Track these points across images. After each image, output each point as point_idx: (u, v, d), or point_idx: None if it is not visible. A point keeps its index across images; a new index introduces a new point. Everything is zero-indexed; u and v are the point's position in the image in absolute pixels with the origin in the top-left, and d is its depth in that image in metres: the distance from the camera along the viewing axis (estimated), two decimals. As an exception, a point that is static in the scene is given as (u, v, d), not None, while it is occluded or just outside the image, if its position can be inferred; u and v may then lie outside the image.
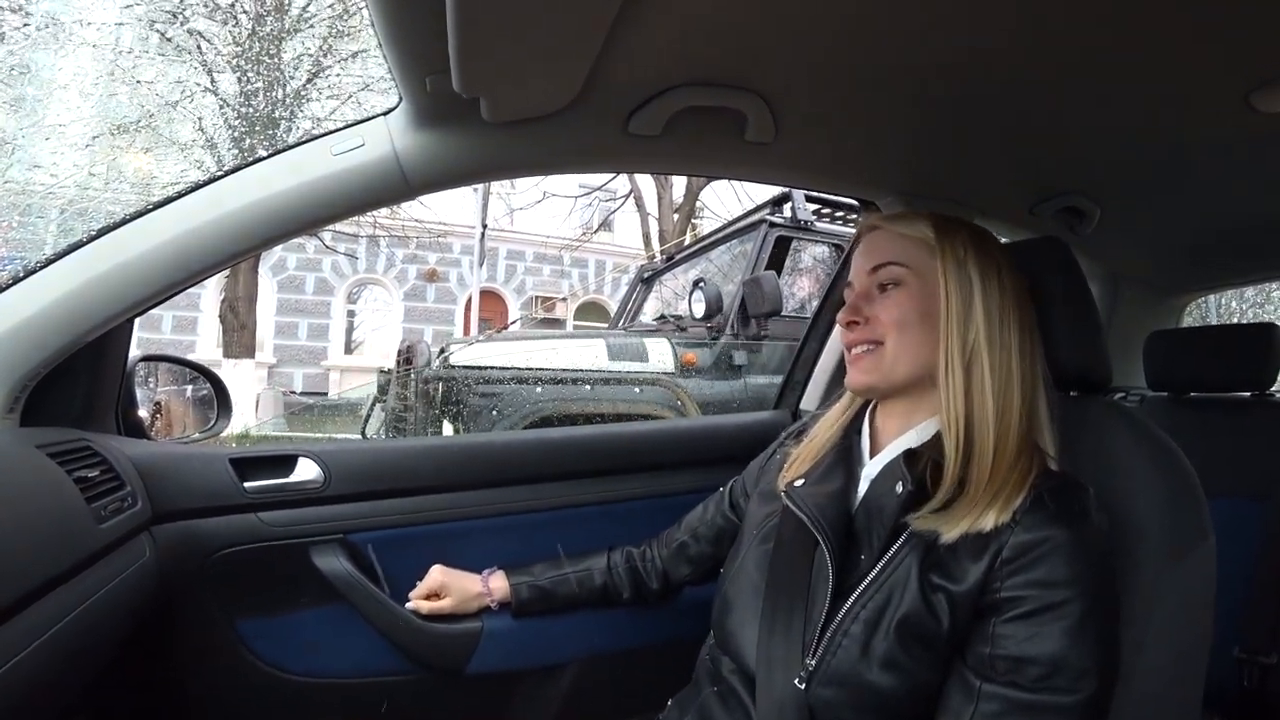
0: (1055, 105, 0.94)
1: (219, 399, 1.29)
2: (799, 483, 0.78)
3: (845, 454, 0.79)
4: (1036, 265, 0.81)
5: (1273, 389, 1.46)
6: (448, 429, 3.30)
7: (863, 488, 0.75)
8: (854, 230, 0.97)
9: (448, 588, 1.06)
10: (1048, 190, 1.26)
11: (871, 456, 0.78)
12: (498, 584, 1.06)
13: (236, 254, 0.85)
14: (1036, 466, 0.67)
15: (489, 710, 1.14)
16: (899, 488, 0.69)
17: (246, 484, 1.03)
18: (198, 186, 0.84)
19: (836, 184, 1.25)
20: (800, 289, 4.17)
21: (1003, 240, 0.83)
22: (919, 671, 0.64)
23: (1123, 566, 0.67)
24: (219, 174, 0.85)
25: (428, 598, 1.06)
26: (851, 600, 0.68)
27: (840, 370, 1.39)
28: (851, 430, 0.82)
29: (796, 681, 0.68)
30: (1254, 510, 1.34)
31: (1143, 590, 0.67)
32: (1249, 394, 1.46)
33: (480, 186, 10.83)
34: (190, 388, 1.36)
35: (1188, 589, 0.68)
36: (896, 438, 0.76)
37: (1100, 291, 1.78)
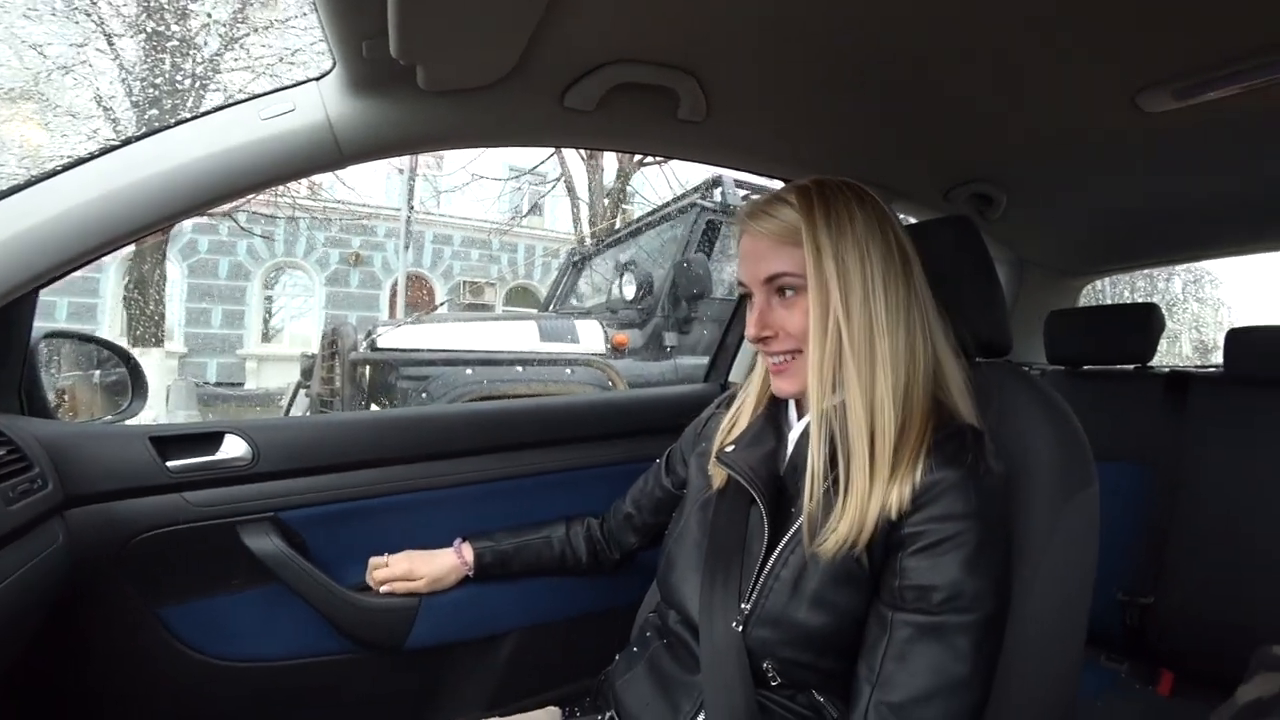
0: (966, 96, 1.00)
1: (133, 380, 1.22)
2: (730, 448, 0.82)
3: (773, 418, 0.84)
4: (946, 242, 0.87)
5: (1151, 362, 1.61)
6: (376, 413, 3.23)
7: (790, 448, 0.81)
8: None
9: (415, 571, 1.06)
10: (960, 176, 1.34)
11: (799, 418, 0.83)
12: (469, 553, 1.08)
13: (157, 220, 0.81)
14: (934, 421, 0.72)
15: (427, 684, 1.14)
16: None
17: (169, 463, 0.99)
18: (113, 148, 0.80)
19: (764, 165, 1.29)
20: (729, 272, 4.25)
21: (915, 220, 0.87)
22: (845, 607, 0.70)
23: (1018, 509, 0.74)
24: (137, 135, 0.81)
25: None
26: (781, 546, 0.73)
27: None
28: (777, 397, 0.85)
29: (734, 625, 0.73)
30: (1139, 471, 1.48)
31: (1035, 531, 0.74)
32: (1132, 367, 1.61)
33: (407, 167, 10.50)
34: (98, 371, 1.29)
35: (1073, 530, 0.76)
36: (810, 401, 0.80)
37: (1007, 274, 1.92)
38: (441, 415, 1.26)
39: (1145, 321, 1.55)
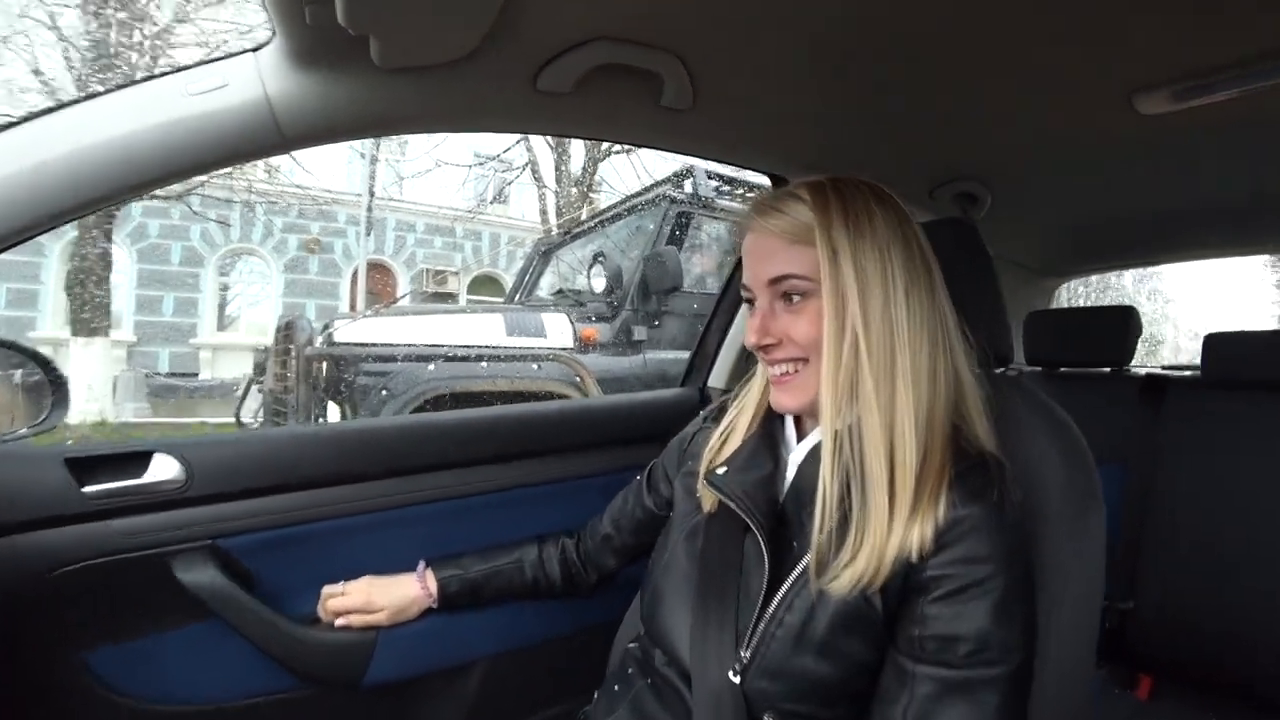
0: (959, 94, 0.96)
1: (53, 386, 1.10)
2: (721, 470, 0.75)
3: (769, 439, 0.77)
4: (945, 245, 0.81)
5: (1128, 365, 1.60)
6: (333, 411, 3.09)
7: (790, 473, 0.73)
8: None
9: (375, 602, 0.96)
10: (947, 175, 1.30)
11: (798, 440, 0.76)
12: (433, 583, 0.98)
13: (63, 211, 0.69)
14: (954, 449, 0.66)
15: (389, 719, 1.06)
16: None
17: (87, 488, 0.88)
18: (11, 125, 0.68)
19: (748, 157, 1.22)
20: (700, 265, 4.20)
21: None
22: (856, 655, 0.63)
23: (1030, 532, 0.69)
24: (39, 111, 0.69)
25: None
26: (785, 588, 0.66)
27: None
28: (774, 414, 0.79)
29: (731, 674, 0.66)
30: (1117, 473, 1.46)
31: (1049, 553, 0.69)
32: (1109, 369, 1.60)
33: (368, 151, 10.21)
34: (20, 372, 1.16)
35: (1085, 548, 0.72)
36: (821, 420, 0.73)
37: (988, 273, 1.90)
38: (398, 427, 1.16)
39: (1123, 324, 1.55)
